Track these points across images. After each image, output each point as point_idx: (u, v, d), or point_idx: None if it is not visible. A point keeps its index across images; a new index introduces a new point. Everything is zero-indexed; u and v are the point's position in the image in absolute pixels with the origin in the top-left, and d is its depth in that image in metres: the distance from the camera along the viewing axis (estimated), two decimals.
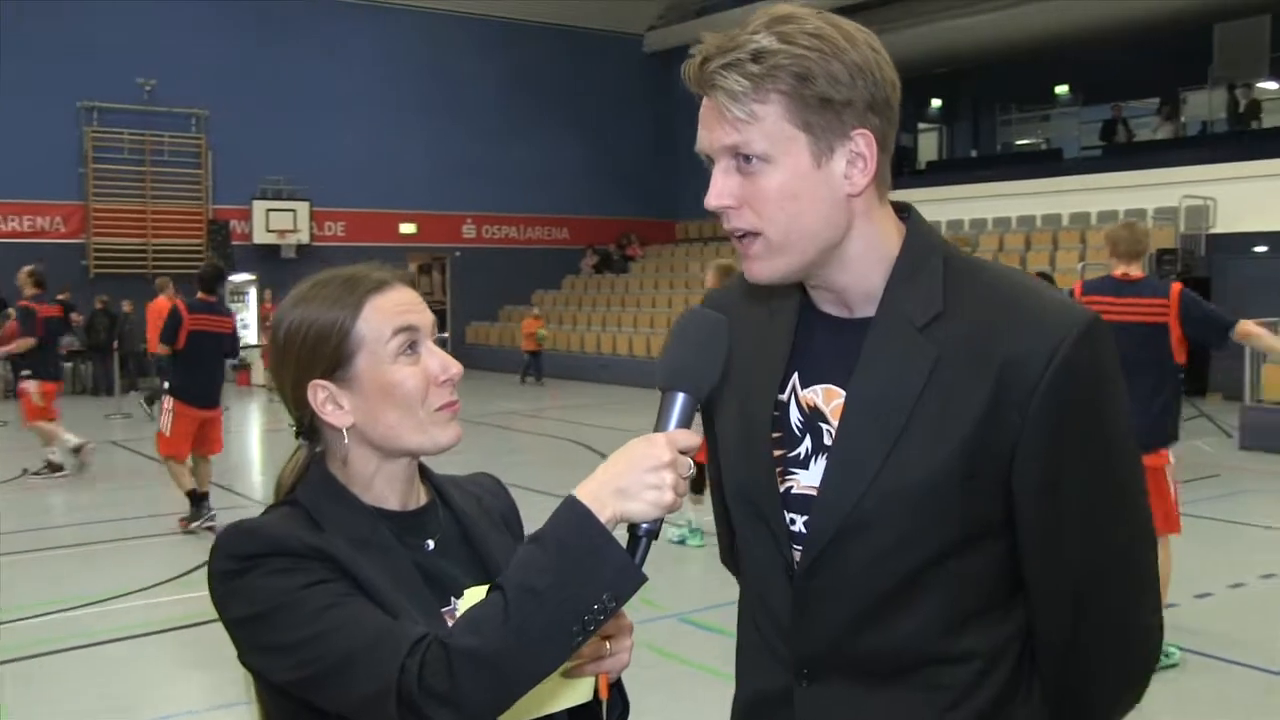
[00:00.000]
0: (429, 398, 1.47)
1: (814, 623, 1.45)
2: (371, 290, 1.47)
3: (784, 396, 1.48)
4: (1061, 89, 24.37)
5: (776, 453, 1.47)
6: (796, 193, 1.36)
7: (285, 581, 1.34)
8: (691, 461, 1.31)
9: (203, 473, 8.91)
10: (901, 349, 1.39)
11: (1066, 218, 19.17)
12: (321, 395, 1.47)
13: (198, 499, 8.72)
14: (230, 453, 12.94)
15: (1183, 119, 22.85)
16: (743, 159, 1.37)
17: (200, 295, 9.00)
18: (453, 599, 1.47)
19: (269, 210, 23.00)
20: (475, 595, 1.35)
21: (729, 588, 1.69)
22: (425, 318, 1.50)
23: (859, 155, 1.37)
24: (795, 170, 1.36)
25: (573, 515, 1.26)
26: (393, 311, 1.47)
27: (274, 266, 22.59)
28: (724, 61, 1.34)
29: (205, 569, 1.43)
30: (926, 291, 1.40)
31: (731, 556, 1.72)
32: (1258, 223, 16.72)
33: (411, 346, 1.47)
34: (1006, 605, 1.45)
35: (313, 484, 1.49)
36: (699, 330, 1.39)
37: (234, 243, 22.56)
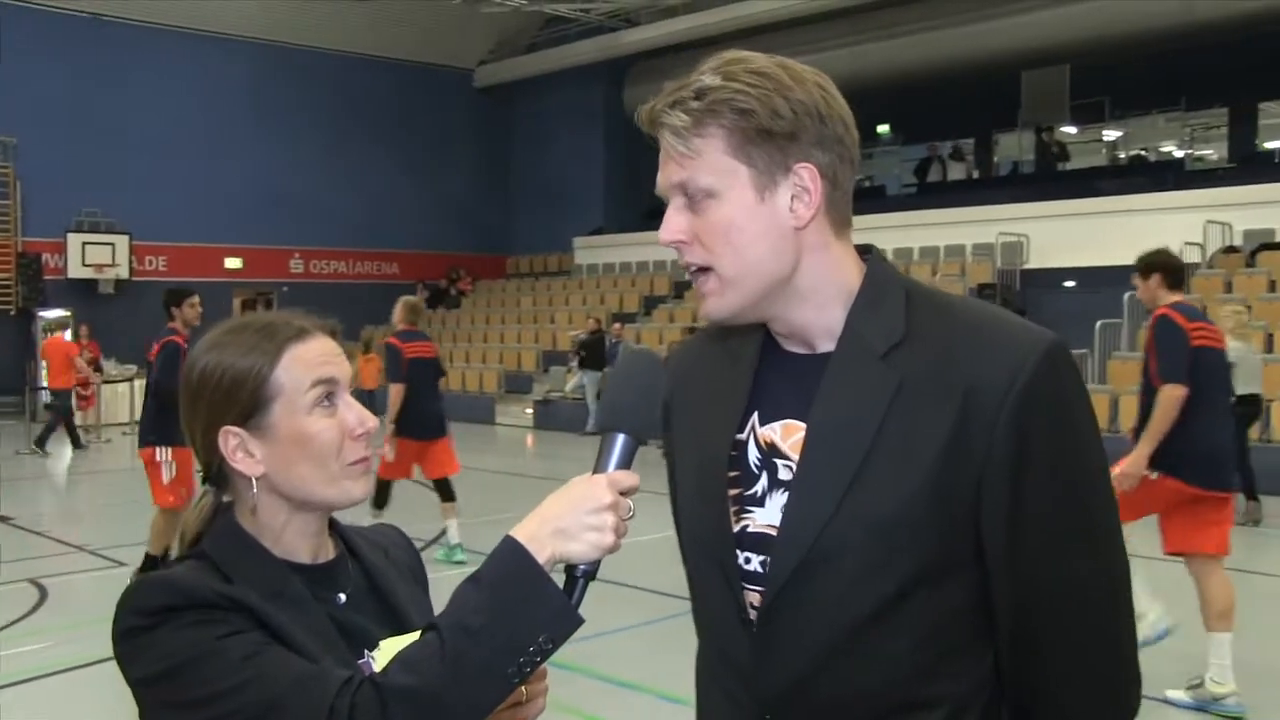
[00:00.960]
0: (343, 451, 1.44)
1: (776, 663, 1.41)
2: (292, 338, 1.44)
3: (743, 436, 1.47)
4: (883, 128, 25.28)
5: (733, 491, 1.46)
6: (741, 225, 1.38)
7: (200, 634, 1.28)
8: (632, 504, 1.31)
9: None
10: (862, 377, 1.39)
11: (890, 253, 19.77)
12: (233, 442, 1.42)
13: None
14: (41, 497, 12.39)
15: (995, 159, 23.99)
16: (690, 195, 1.39)
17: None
18: (366, 652, 1.43)
19: (85, 243, 22.06)
20: (392, 646, 1.33)
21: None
22: (344, 369, 1.47)
23: (803, 189, 1.39)
24: (740, 203, 1.38)
25: (510, 555, 1.25)
26: (314, 362, 1.44)
27: (91, 302, 21.67)
28: (669, 101, 1.38)
29: None
30: (888, 321, 1.41)
31: None
32: (1067, 259, 17.61)
33: (329, 398, 1.44)
34: (977, 649, 1.42)
35: (220, 535, 1.44)
36: (636, 370, 1.39)
37: (46, 277, 21.54)
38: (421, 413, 8.53)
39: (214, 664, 1.27)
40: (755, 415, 1.47)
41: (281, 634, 1.33)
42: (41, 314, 21.71)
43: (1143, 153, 23.04)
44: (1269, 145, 21.21)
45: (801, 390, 1.43)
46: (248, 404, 1.41)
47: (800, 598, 1.39)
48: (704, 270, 1.42)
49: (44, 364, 16.61)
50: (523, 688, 1.41)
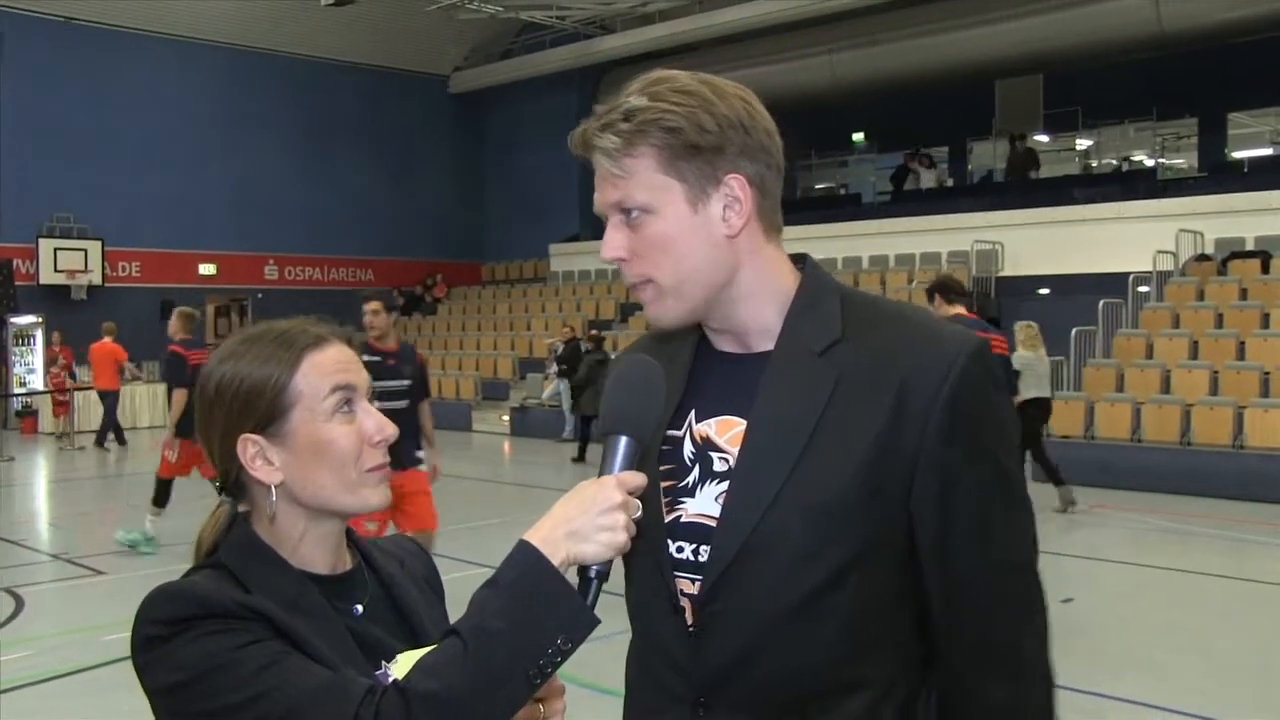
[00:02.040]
0: (362, 458, 1.44)
1: (711, 649, 1.46)
2: (310, 346, 1.44)
3: (679, 432, 1.53)
4: (858, 136, 25.38)
5: (666, 484, 1.51)
6: (677, 238, 1.45)
7: (219, 643, 1.28)
8: (639, 503, 1.33)
9: None
10: (802, 373, 1.46)
11: (866, 260, 19.93)
12: (252, 450, 1.42)
13: None
14: (15, 505, 12.28)
15: (970, 167, 24.13)
16: (627, 212, 1.45)
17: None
18: (383, 663, 1.43)
19: (57, 249, 21.87)
20: (410, 659, 1.33)
21: None
22: (362, 377, 1.48)
23: (734, 199, 1.45)
24: (675, 217, 1.44)
25: (526, 559, 1.27)
26: (331, 369, 1.44)
27: (63, 308, 21.50)
28: (600, 124, 1.44)
29: None
30: (825, 321, 1.48)
31: None
32: (1040, 266, 17.75)
33: (348, 405, 1.44)
34: (900, 637, 1.48)
35: (236, 544, 1.43)
36: (636, 375, 1.43)
37: (18, 283, 21.32)
38: None
39: (234, 674, 1.26)
40: (692, 412, 1.54)
41: (301, 643, 1.33)
42: (12, 320, 21.51)
43: (1114, 162, 23.22)
44: (1238, 155, 21.42)
45: (737, 387, 1.50)
46: (266, 412, 1.42)
47: (737, 585, 1.44)
48: (646, 282, 1.48)
49: (89, 367, 17.30)
50: (540, 706, 1.42)
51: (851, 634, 1.43)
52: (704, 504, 1.48)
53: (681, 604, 1.48)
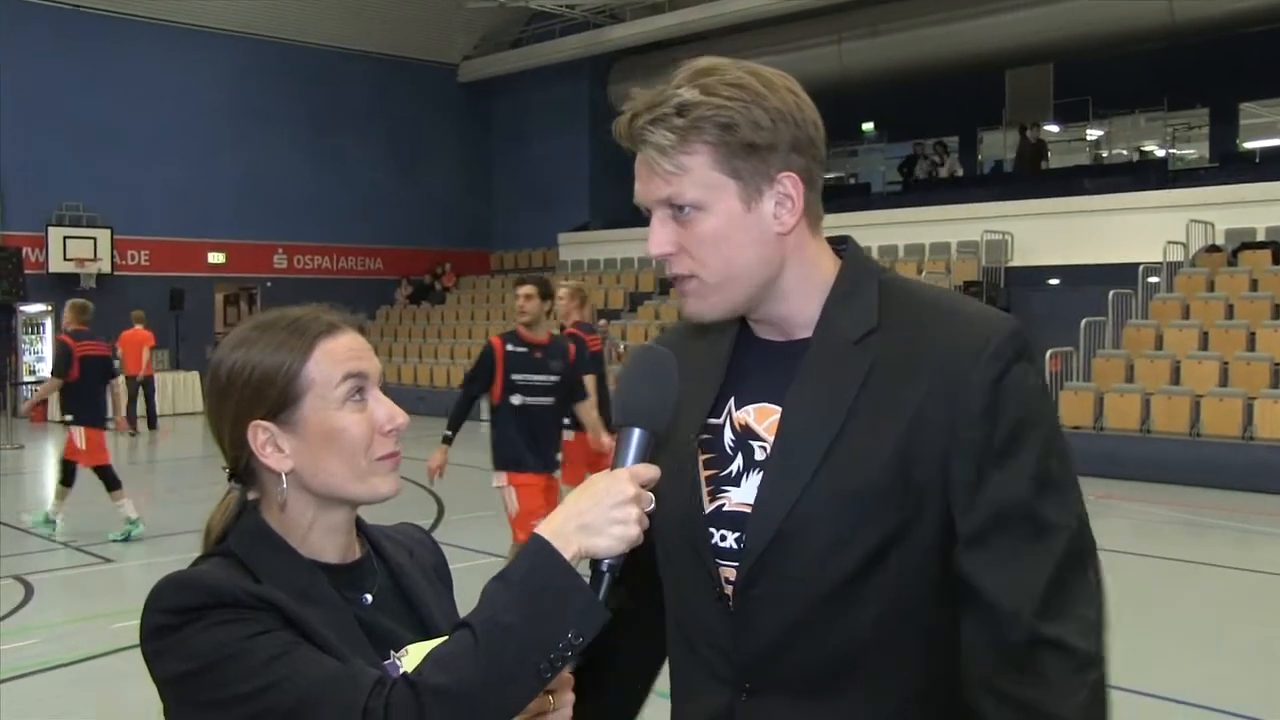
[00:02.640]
0: (373, 446, 1.43)
1: (754, 633, 1.46)
2: (322, 333, 1.43)
3: (719, 420, 1.53)
4: (868, 126, 25.31)
5: (708, 472, 1.52)
6: (729, 236, 1.43)
7: (228, 633, 1.27)
8: (652, 495, 1.33)
9: None
10: (837, 361, 1.45)
11: (875, 250, 19.85)
12: (262, 436, 1.41)
13: None
14: (25, 492, 12.33)
15: (980, 157, 24.06)
16: (677, 208, 1.43)
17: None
18: (391, 653, 1.43)
19: (66, 237, 21.90)
20: (420, 651, 1.33)
21: None
22: (374, 365, 1.47)
23: (786, 196, 1.44)
24: (727, 215, 1.43)
25: (538, 552, 1.26)
26: (344, 356, 1.43)
27: (72, 296, 21.43)
28: (651, 117, 1.41)
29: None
30: (862, 310, 1.47)
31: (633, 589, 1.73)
32: (1050, 257, 17.70)
33: (360, 393, 1.44)
34: (948, 619, 1.44)
35: (246, 532, 1.43)
36: (649, 366, 1.41)
37: (27, 271, 21.36)
38: (99, 405, 9.64)
39: (243, 663, 1.26)
40: (731, 400, 1.54)
41: (310, 633, 1.32)
42: (22, 308, 21.57)
43: (1125, 152, 23.14)
44: (1249, 145, 21.32)
45: (776, 375, 1.50)
46: (278, 399, 1.41)
47: (774, 570, 1.44)
48: (690, 277, 1.47)
49: (119, 352, 17.42)
50: (550, 697, 1.42)
51: (891, 616, 1.43)
52: (747, 493, 1.48)
53: (726, 591, 1.48)
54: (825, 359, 1.46)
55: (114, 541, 9.30)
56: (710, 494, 1.51)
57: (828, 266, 1.52)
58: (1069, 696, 1.36)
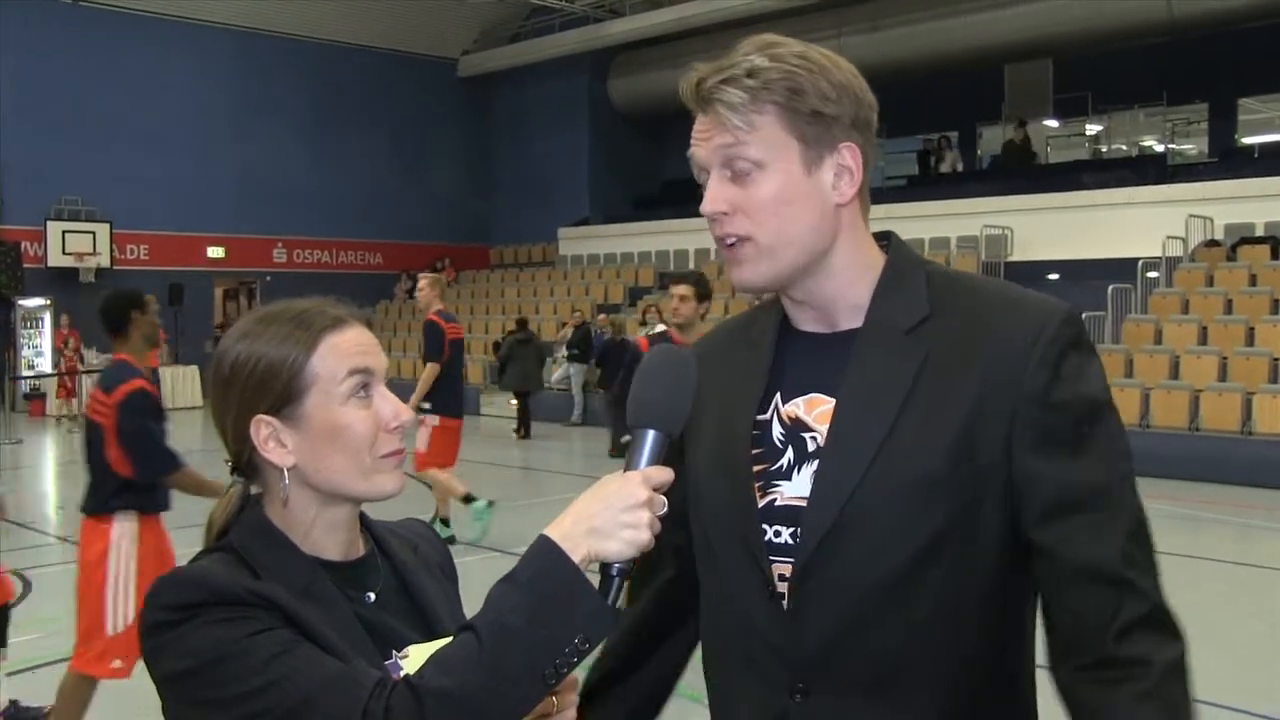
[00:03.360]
0: (377, 443, 1.41)
1: (808, 630, 1.43)
2: (328, 327, 1.42)
3: (765, 416, 1.51)
4: None
5: (757, 468, 1.49)
6: (790, 199, 1.43)
7: (228, 631, 1.26)
8: (665, 499, 1.29)
9: None
10: (891, 350, 1.44)
11: None
12: (265, 431, 1.40)
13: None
14: (23, 487, 12.31)
15: (979, 152, 24.04)
16: (737, 168, 1.43)
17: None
18: (394, 652, 1.41)
19: (65, 231, 21.88)
20: (421, 653, 1.31)
21: None
22: (380, 361, 1.45)
23: (845, 167, 1.45)
24: (788, 177, 1.43)
25: (545, 555, 1.23)
26: (350, 351, 1.41)
27: (71, 291, 21.50)
28: (721, 78, 1.43)
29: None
30: (912, 299, 1.47)
31: (648, 590, 1.72)
32: (1050, 252, 17.69)
33: (365, 389, 1.42)
34: (1009, 612, 1.44)
35: (247, 528, 1.42)
36: (666, 367, 1.38)
37: (25, 265, 21.35)
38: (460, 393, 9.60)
39: (243, 662, 1.24)
40: (778, 395, 1.52)
41: (311, 632, 1.30)
42: (20, 303, 21.56)
43: (1124, 147, 23.11)
44: (1248, 140, 21.30)
45: (824, 365, 1.48)
46: (282, 393, 1.39)
47: (830, 563, 1.42)
48: (743, 240, 1.46)
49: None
50: (554, 698, 1.38)
51: (949, 610, 1.40)
52: (800, 486, 1.46)
53: (779, 589, 1.45)
54: (878, 348, 1.45)
55: None
56: (760, 490, 1.49)
57: (876, 255, 1.52)
58: (1169, 651, 1.38)
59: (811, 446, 1.47)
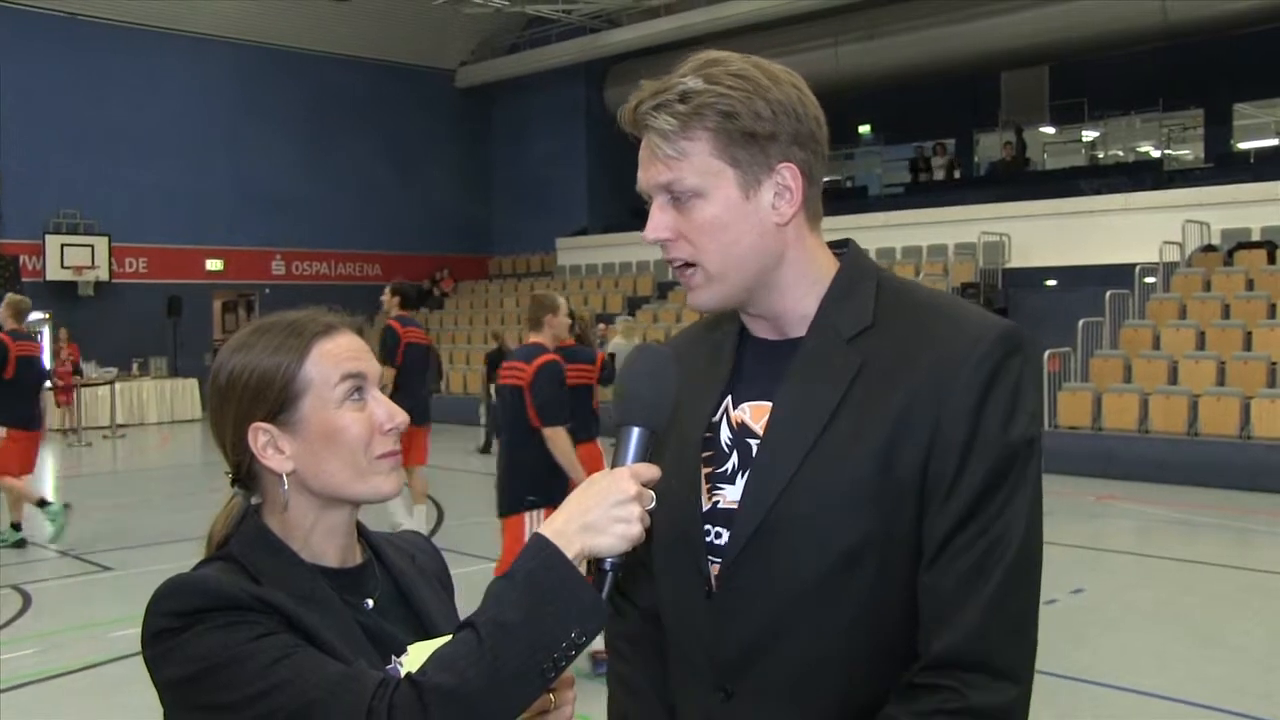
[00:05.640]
0: (372, 445, 1.44)
1: (731, 633, 1.47)
2: (319, 334, 1.45)
3: (716, 419, 1.55)
4: (864, 129, 25.33)
5: (706, 470, 1.53)
6: (728, 223, 1.45)
7: (231, 635, 1.28)
8: (654, 494, 1.33)
9: None
10: (828, 359, 1.46)
11: (873, 253, 19.80)
12: (262, 439, 1.43)
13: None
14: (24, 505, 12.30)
15: (976, 159, 24.09)
16: (676, 195, 1.45)
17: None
18: (394, 658, 1.43)
19: (64, 245, 21.87)
20: (420, 651, 1.33)
21: None
22: (373, 366, 1.48)
23: (785, 187, 1.46)
24: (725, 202, 1.44)
25: (540, 552, 1.27)
26: (341, 357, 1.45)
27: (70, 305, 21.51)
28: (654, 103, 1.44)
29: None
30: (857, 308, 1.48)
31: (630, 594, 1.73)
32: (1047, 258, 17.73)
33: (358, 393, 1.45)
34: (914, 629, 1.43)
35: (247, 537, 1.44)
36: (648, 365, 1.42)
37: (24, 279, 21.33)
38: (32, 406, 9.44)
39: (246, 667, 1.26)
40: (729, 399, 1.55)
41: (313, 636, 1.33)
42: None
43: (1120, 153, 23.16)
44: (1244, 146, 21.35)
45: (772, 373, 1.51)
46: (277, 400, 1.42)
47: (755, 567, 1.45)
48: (689, 265, 1.48)
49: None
50: (551, 695, 1.42)
51: (870, 618, 1.42)
52: (739, 490, 1.49)
53: (714, 589, 1.49)
54: (816, 357, 1.47)
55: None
56: (708, 491, 1.52)
57: (826, 264, 1.52)
58: (990, 696, 1.36)
59: (755, 452, 1.49)
